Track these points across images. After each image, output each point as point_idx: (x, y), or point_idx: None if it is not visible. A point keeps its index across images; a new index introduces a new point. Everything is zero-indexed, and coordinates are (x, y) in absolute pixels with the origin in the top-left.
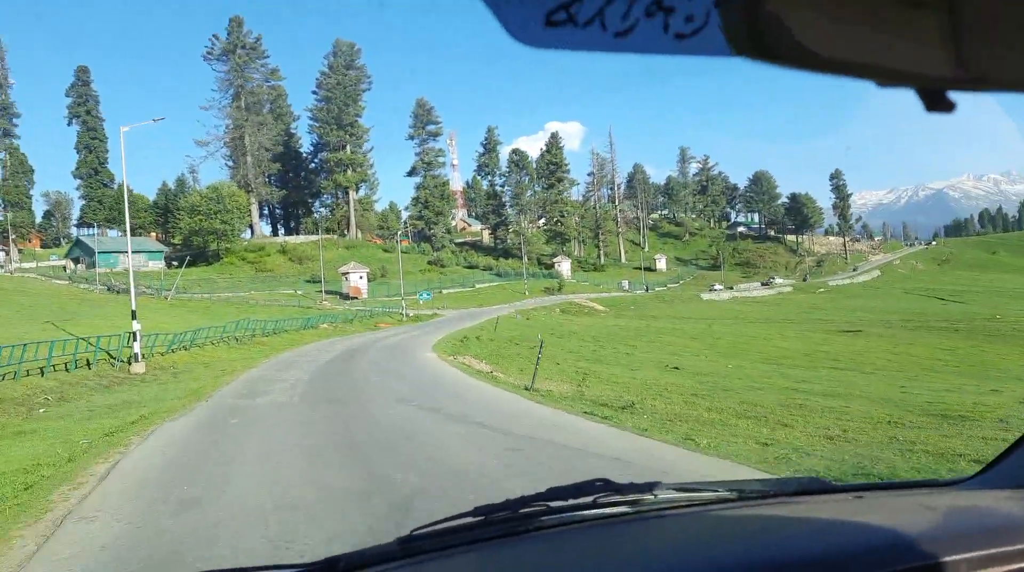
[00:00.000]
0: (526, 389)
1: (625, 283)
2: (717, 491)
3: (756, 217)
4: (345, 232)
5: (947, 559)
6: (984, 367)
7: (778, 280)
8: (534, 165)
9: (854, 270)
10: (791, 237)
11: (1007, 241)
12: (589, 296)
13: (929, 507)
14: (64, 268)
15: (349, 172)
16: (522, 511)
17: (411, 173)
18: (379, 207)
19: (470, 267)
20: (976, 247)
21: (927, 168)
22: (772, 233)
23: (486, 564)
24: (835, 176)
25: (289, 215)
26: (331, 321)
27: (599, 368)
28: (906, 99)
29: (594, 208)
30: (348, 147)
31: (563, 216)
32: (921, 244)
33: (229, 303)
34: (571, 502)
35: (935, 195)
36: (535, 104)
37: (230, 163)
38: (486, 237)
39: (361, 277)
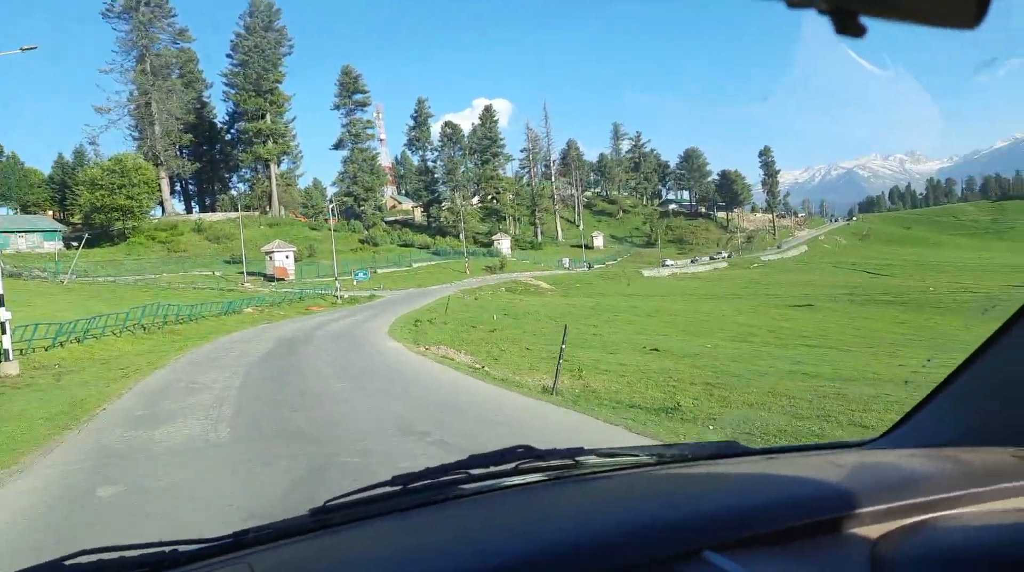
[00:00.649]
0: (547, 391)
1: (566, 261)
2: (637, 456)
3: (687, 195)
4: (267, 209)
5: (851, 512)
6: (947, 338)
7: (723, 254)
8: (466, 140)
9: (778, 247)
10: (721, 214)
11: (920, 217)
12: (532, 274)
13: (836, 464)
14: None
15: (270, 143)
16: (442, 479)
17: (337, 146)
18: (303, 183)
19: (405, 245)
20: (892, 223)
21: (838, 148)
22: (703, 210)
23: (402, 532)
24: (764, 153)
25: (204, 191)
26: (256, 304)
27: (578, 353)
28: (827, 70)
29: (530, 185)
30: (268, 116)
31: (499, 193)
32: (839, 221)
33: (137, 287)
34: (492, 469)
35: (846, 174)
36: (462, 79)
37: (136, 135)
38: (418, 215)
39: (288, 257)
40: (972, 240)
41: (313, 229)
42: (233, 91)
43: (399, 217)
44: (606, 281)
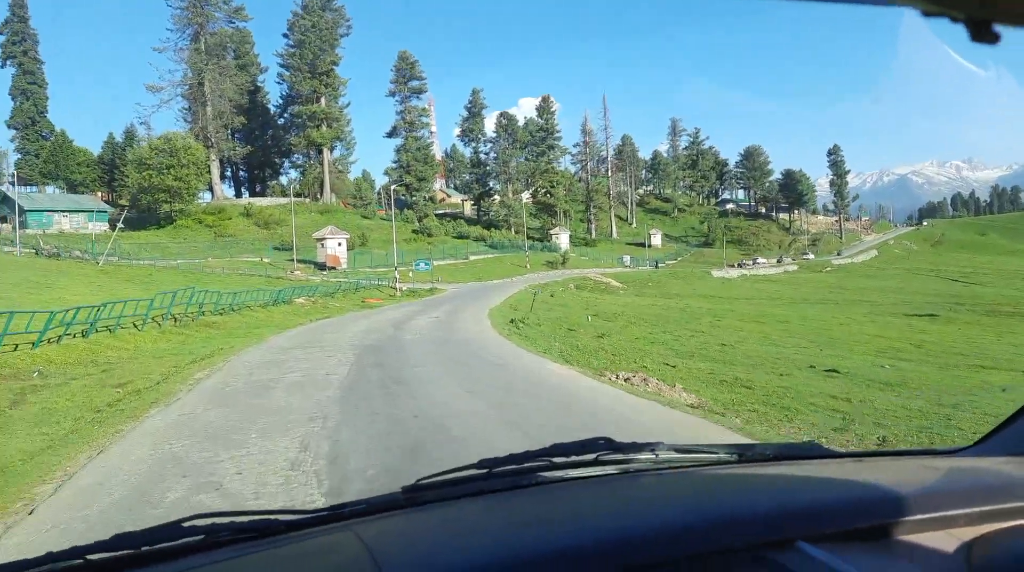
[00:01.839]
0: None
1: (627, 258)
2: (717, 453)
3: (742, 194)
4: (318, 196)
5: (945, 513)
6: None
7: (787, 258)
8: (521, 132)
9: (838, 254)
10: (782, 216)
11: (994, 223)
12: (599, 271)
13: (928, 468)
14: None
15: (324, 128)
16: (525, 465)
17: (391, 134)
18: (353, 174)
19: (460, 237)
20: (965, 229)
21: (891, 154)
22: (762, 210)
23: (487, 514)
24: (832, 152)
25: (255, 178)
26: (308, 295)
27: (738, 373)
28: (892, 76)
29: (586, 180)
30: (323, 100)
31: (553, 186)
32: (900, 226)
33: (178, 271)
34: (574, 459)
35: (899, 180)
36: (508, 79)
37: (187, 116)
38: (468, 208)
39: (340, 244)
40: None
41: (364, 217)
42: (288, 72)
43: (448, 210)
44: (677, 281)
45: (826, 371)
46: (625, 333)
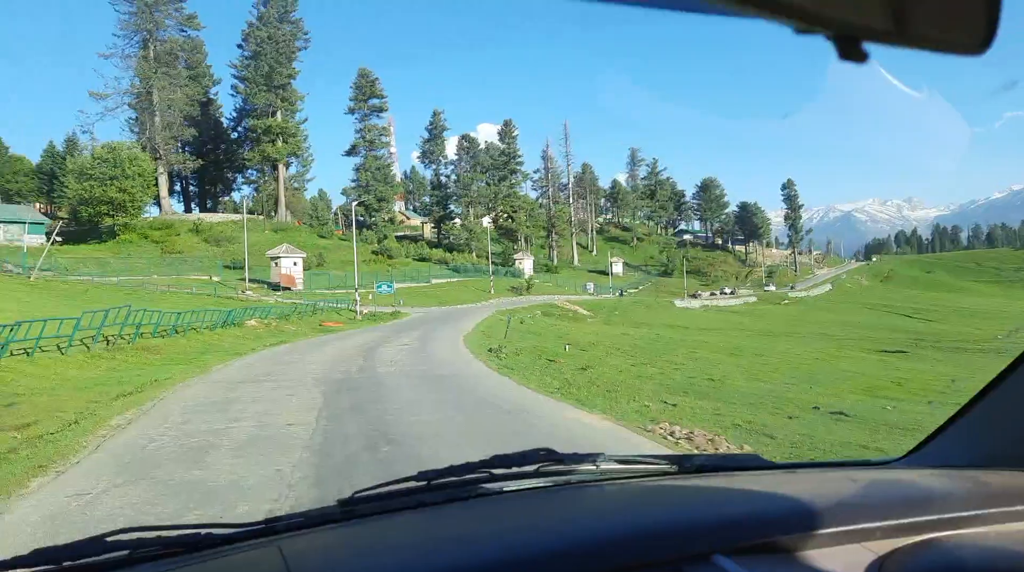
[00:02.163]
0: None
1: (590, 286)
2: (657, 464)
3: (698, 225)
4: (272, 214)
5: (863, 525)
6: None
7: (743, 290)
8: (483, 155)
9: (792, 287)
10: (738, 247)
11: (939, 261)
12: (565, 298)
13: (854, 480)
14: None
15: (279, 143)
16: (465, 476)
17: (350, 152)
18: (313, 189)
19: (421, 260)
20: (911, 266)
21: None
22: (718, 242)
23: (424, 525)
24: (787, 186)
25: (206, 194)
26: (261, 316)
27: (732, 412)
28: (836, 122)
29: (548, 206)
30: (279, 114)
31: (515, 211)
32: (852, 261)
33: (118, 288)
34: (514, 470)
35: (844, 217)
36: (466, 104)
37: (134, 127)
38: (427, 231)
39: (296, 263)
40: (997, 287)
41: (321, 237)
42: (243, 85)
43: (408, 232)
44: (641, 309)
45: (832, 413)
46: (606, 364)
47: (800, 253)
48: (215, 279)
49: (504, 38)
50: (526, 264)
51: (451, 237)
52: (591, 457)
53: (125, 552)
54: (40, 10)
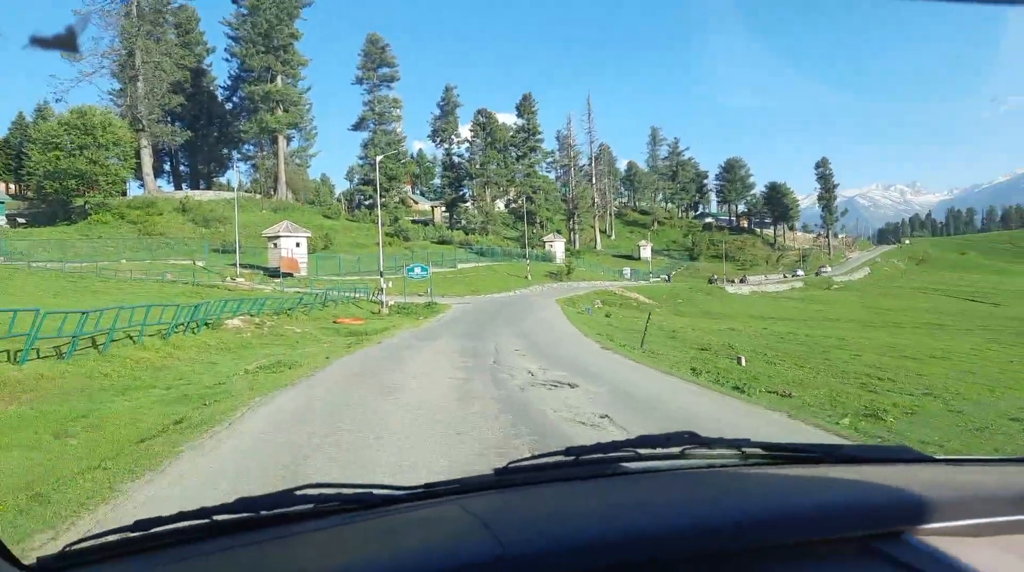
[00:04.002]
0: None
1: (627, 271)
2: (806, 452)
3: (723, 207)
4: (272, 192)
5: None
6: None
7: (799, 273)
8: (499, 132)
9: (823, 269)
10: (765, 231)
11: (971, 242)
12: (609, 284)
13: (1016, 480)
14: None
15: (279, 112)
16: (611, 454)
17: (357, 126)
18: (317, 165)
19: (441, 242)
20: (944, 247)
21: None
22: (743, 225)
23: (571, 497)
24: (821, 165)
25: (199, 173)
26: (251, 311)
27: None
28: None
29: (570, 186)
30: (279, 79)
31: (534, 192)
32: (874, 245)
33: (60, 275)
34: (659, 451)
35: (847, 202)
36: (468, 90)
37: (118, 101)
38: (438, 216)
39: (298, 244)
40: None
41: (327, 217)
42: (238, 45)
43: (416, 217)
44: (704, 297)
45: None
46: (815, 384)
47: (826, 237)
48: (199, 264)
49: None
50: (557, 247)
51: (465, 221)
52: (736, 442)
53: (311, 505)
54: None
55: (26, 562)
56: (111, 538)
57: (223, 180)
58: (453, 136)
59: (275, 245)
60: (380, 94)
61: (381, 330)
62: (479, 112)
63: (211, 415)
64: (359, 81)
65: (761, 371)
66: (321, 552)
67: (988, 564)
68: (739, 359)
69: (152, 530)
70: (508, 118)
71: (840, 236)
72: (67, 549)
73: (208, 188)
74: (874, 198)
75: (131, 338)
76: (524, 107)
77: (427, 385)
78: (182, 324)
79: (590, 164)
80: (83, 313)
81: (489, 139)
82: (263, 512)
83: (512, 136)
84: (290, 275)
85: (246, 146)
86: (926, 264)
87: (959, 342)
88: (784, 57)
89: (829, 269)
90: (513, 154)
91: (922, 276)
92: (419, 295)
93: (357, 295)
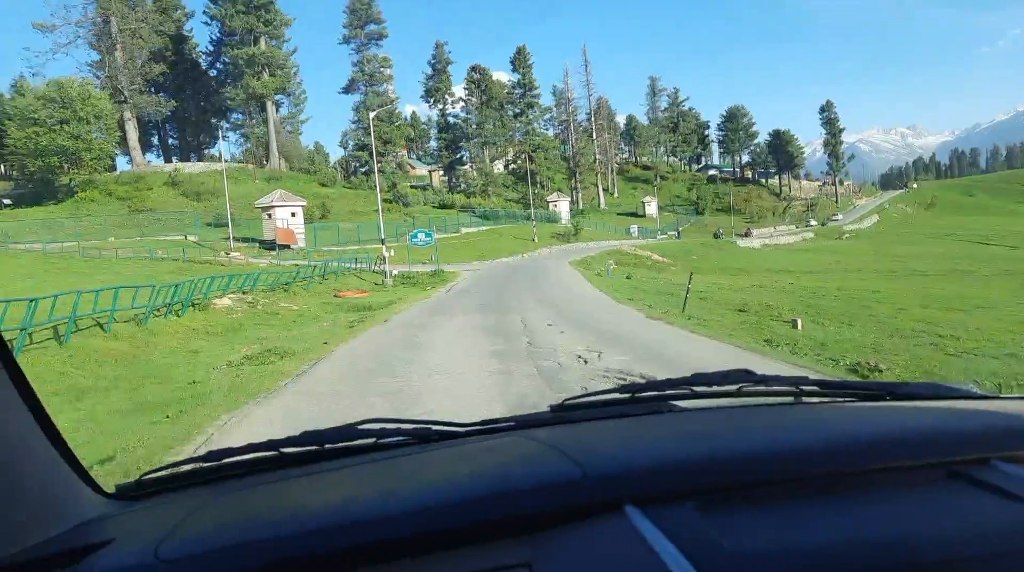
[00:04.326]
0: None
1: (634, 229)
2: (866, 389)
3: (726, 159)
4: (264, 162)
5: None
6: None
7: (813, 222)
8: (495, 88)
9: (833, 216)
10: (771, 181)
11: (979, 183)
12: (619, 243)
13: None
14: None
15: (265, 76)
16: (667, 392)
17: (348, 89)
18: (308, 132)
19: (442, 207)
20: (950, 190)
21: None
22: (748, 176)
23: (627, 431)
24: (825, 108)
25: (188, 145)
26: (243, 288)
27: None
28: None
29: (570, 143)
30: (262, 40)
31: (535, 150)
32: (880, 190)
33: (47, 258)
34: (714, 389)
35: (849, 148)
36: (458, 44)
37: (97, 71)
38: (436, 180)
39: (294, 214)
40: None
41: (323, 185)
42: (216, 6)
43: (413, 182)
44: (717, 252)
45: None
46: (876, 343)
47: (831, 184)
48: (191, 239)
49: None
50: (562, 206)
51: (465, 184)
52: (794, 379)
53: (372, 439)
54: None
55: (107, 490)
56: (185, 468)
57: (215, 152)
58: (447, 96)
59: (269, 216)
60: (369, 53)
61: (387, 304)
62: (473, 68)
63: (161, 440)
64: (346, 40)
65: (821, 336)
66: (383, 479)
67: None
68: (795, 322)
69: (223, 460)
70: (502, 76)
71: (846, 182)
72: (144, 477)
73: (200, 161)
74: (875, 143)
75: (100, 326)
76: (519, 61)
77: (457, 386)
78: (163, 306)
79: (590, 119)
80: (31, 300)
81: (485, 97)
82: (327, 445)
83: (508, 93)
84: (287, 247)
85: (234, 114)
86: (934, 208)
87: (994, 289)
88: None
89: (840, 217)
90: (510, 112)
91: (932, 220)
92: (423, 263)
93: (359, 266)
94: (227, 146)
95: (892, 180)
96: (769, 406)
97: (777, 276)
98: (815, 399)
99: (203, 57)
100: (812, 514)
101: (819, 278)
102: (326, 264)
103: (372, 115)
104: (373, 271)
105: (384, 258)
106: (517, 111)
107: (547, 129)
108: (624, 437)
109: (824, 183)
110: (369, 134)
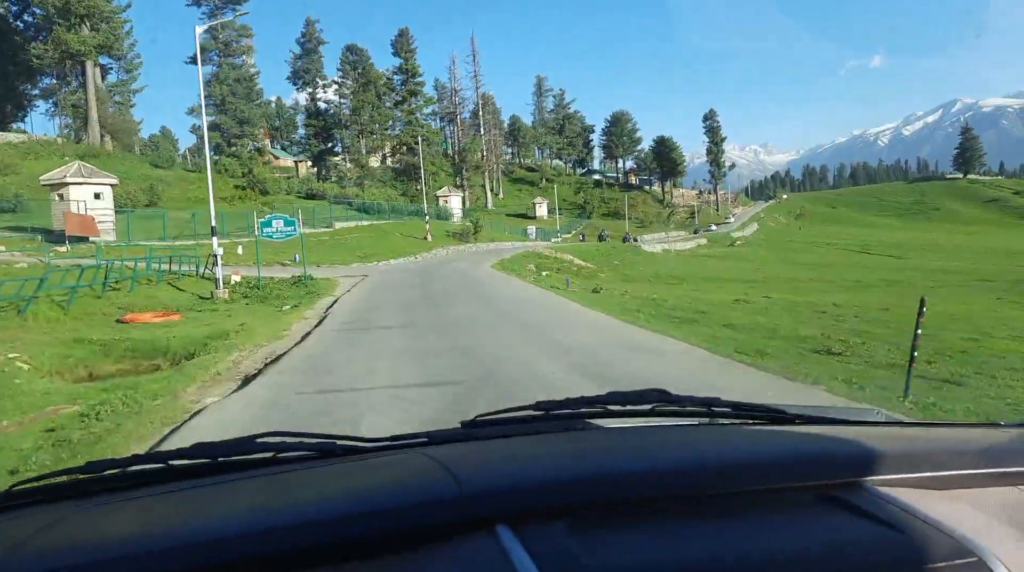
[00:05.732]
0: None
1: (531, 230)
2: (775, 412)
3: (609, 164)
4: (83, 135)
5: (1017, 469)
6: None
7: (713, 228)
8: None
9: (712, 227)
10: (654, 187)
11: (840, 197)
12: (524, 245)
13: (1004, 434)
14: None
15: (84, 30)
16: (581, 409)
17: (196, 59)
18: (142, 104)
19: (310, 197)
20: (816, 203)
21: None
22: (632, 181)
23: (539, 448)
24: (708, 117)
25: None
26: None
27: None
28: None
29: (457, 136)
30: None
31: (417, 142)
32: (752, 201)
33: None
34: (629, 408)
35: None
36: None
37: None
38: (303, 171)
39: (99, 195)
40: (905, 221)
41: (157, 166)
42: None
43: (277, 174)
44: (632, 257)
45: None
46: None
47: (709, 192)
48: None
49: None
50: (453, 202)
51: (337, 176)
52: (707, 400)
53: (270, 453)
54: None
55: None
56: (60, 479)
57: (25, 125)
58: (318, 79)
59: (60, 197)
60: (224, 17)
61: (203, 345)
62: (348, 49)
63: None
64: (196, 2)
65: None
66: (275, 495)
67: (947, 514)
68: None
69: (104, 472)
70: (382, 63)
71: (721, 192)
72: (13, 488)
73: (5, 131)
74: (731, 157)
75: None
76: (401, 45)
77: None
78: None
79: (476, 114)
80: None
81: (363, 80)
82: (220, 458)
83: (388, 79)
84: (84, 239)
85: (46, 79)
86: (804, 218)
87: (963, 301)
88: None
89: (715, 227)
90: (390, 102)
91: (806, 230)
92: (283, 265)
93: (183, 267)
94: (38, 116)
95: (755, 192)
96: (680, 427)
97: (715, 285)
98: (726, 420)
99: (10, 6)
100: (683, 533)
101: (763, 288)
102: (110, 264)
103: (200, 30)
104: (203, 277)
105: (216, 258)
106: (399, 99)
107: (431, 122)
108: (521, 455)
109: (701, 192)
110: (224, 113)
